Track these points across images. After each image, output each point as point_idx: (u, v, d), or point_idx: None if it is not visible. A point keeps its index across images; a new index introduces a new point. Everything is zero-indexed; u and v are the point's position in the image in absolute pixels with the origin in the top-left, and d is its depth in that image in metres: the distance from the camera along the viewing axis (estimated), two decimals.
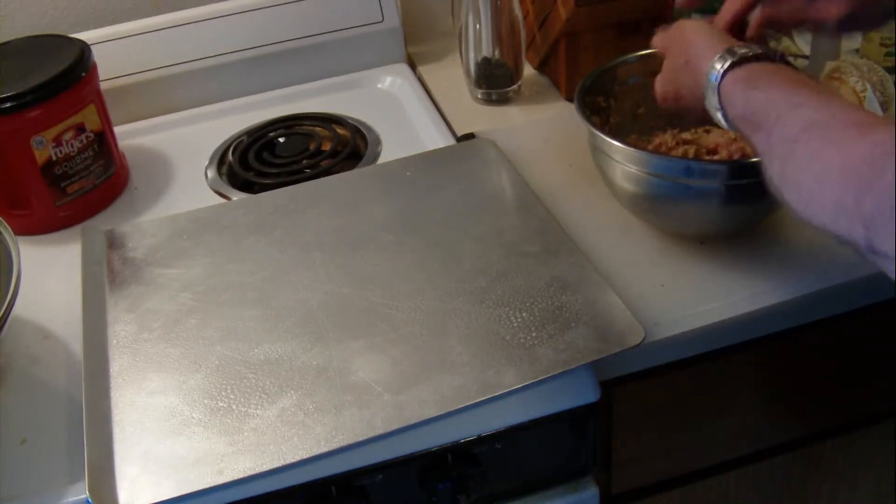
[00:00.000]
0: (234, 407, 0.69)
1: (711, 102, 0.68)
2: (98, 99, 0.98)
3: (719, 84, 0.67)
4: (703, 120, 0.76)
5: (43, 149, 0.93)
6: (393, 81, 1.18)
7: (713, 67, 0.67)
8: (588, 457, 0.77)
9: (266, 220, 0.91)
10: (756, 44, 0.69)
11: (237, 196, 0.98)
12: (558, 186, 0.93)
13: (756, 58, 0.66)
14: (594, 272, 0.79)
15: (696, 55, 0.71)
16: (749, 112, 0.64)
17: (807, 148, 0.57)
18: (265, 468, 0.64)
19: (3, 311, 0.71)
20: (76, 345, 0.79)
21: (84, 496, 0.64)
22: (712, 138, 0.89)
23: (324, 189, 0.95)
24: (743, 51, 0.66)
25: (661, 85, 0.78)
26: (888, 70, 1.01)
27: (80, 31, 1.07)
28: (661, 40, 0.79)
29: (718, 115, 0.69)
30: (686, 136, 0.90)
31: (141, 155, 1.09)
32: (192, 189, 1.02)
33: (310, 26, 1.16)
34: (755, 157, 0.84)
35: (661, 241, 0.85)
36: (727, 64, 0.66)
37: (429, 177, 0.94)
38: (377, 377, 0.70)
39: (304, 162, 1.03)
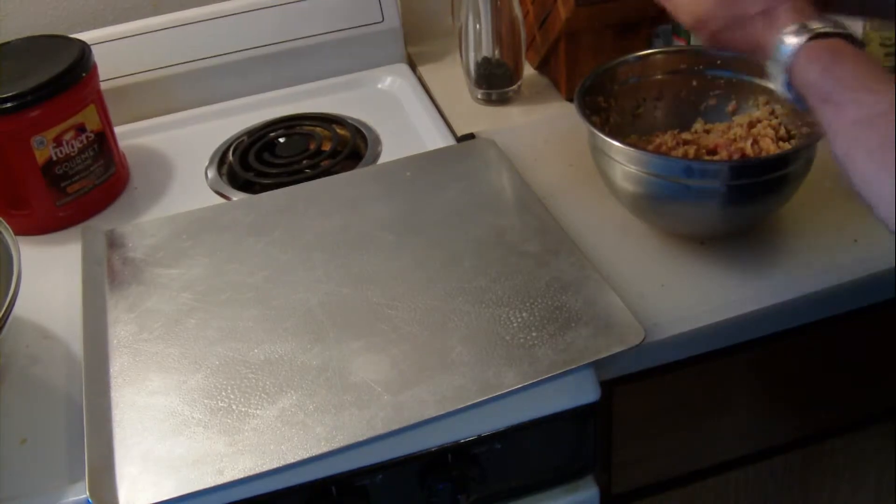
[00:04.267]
0: (234, 407, 0.69)
1: (776, 69, 0.67)
2: (98, 99, 0.98)
3: (794, 55, 0.65)
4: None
5: (43, 149, 0.93)
6: (393, 81, 1.18)
7: (789, 37, 0.65)
8: (588, 457, 0.77)
9: (266, 220, 0.91)
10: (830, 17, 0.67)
11: (237, 196, 0.98)
12: (558, 186, 0.93)
13: (831, 34, 0.65)
14: (594, 272, 0.79)
15: (776, 11, 0.67)
16: (821, 86, 0.63)
17: (877, 135, 0.57)
18: (265, 468, 0.64)
19: (3, 311, 0.71)
20: (76, 345, 0.79)
21: (84, 496, 0.64)
22: (712, 138, 0.89)
23: (324, 189, 0.95)
24: (818, 25, 0.65)
25: (704, 7, 0.71)
26: (888, 70, 1.01)
27: (80, 31, 1.07)
28: None
29: (780, 84, 0.67)
30: (686, 136, 0.90)
31: (141, 155, 1.09)
32: (192, 189, 1.02)
33: (310, 26, 1.16)
34: (757, 157, 0.84)
35: (661, 241, 0.85)
36: (805, 38, 0.64)
37: (429, 177, 0.94)
38: (377, 377, 0.70)
39: (304, 162, 1.03)
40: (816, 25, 0.65)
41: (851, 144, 0.60)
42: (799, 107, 0.67)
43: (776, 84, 0.68)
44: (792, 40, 0.65)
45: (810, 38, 0.65)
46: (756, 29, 0.69)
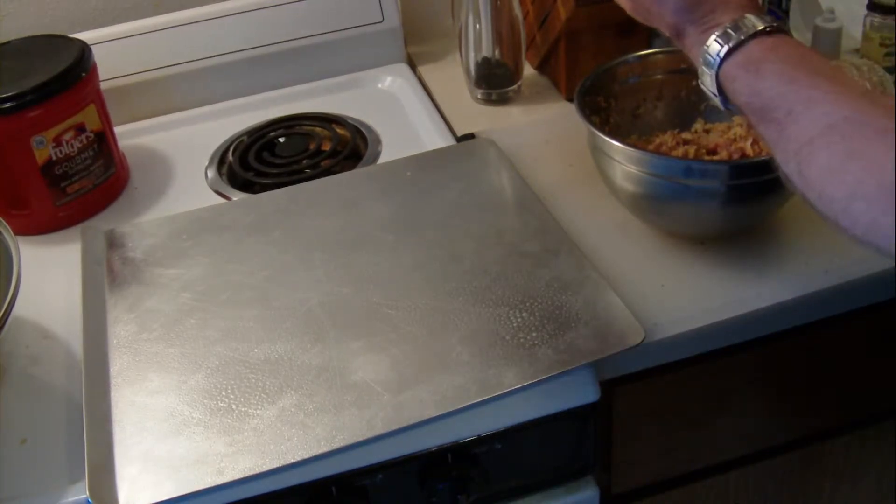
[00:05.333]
0: (234, 407, 0.69)
1: (707, 85, 0.63)
2: (98, 99, 0.98)
3: (718, 70, 0.61)
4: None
5: (43, 149, 0.93)
6: (393, 81, 1.18)
7: (710, 48, 0.61)
8: (588, 457, 0.77)
9: (266, 220, 0.91)
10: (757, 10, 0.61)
11: (237, 196, 0.98)
12: (558, 186, 0.93)
13: (758, 34, 0.59)
14: (594, 272, 0.79)
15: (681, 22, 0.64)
16: (755, 103, 0.59)
17: (827, 154, 0.53)
18: (265, 468, 0.64)
19: (3, 311, 0.71)
20: (76, 345, 0.79)
21: (84, 496, 0.64)
22: (712, 138, 0.89)
23: (324, 189, 0.95)
24: (746, 26, 0.60)
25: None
26: (888, 70, 1.01)
27: (80, 31, 1.07)
28: None
29: (717, 101, 0.63)
30: (686, 136, 0.90)
31: (141, 155, 1.09)
32: (192, 189, 1.02)
33: (310, 26, 1.16)
34: (757, 157, 0.84)
35: (661, 241, 0.85)
36: (727, 48, 0.60)
37: (429, 177, 0.94)
38: (377, 377, 0.70)
39: (304, 162, 1.03)
40: (743, 27, 0.59)
41: (804, 165, 0.55)
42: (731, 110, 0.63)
43: (710, 96, 0.63)
44: (713, 50, 0.61)
45: (733, 49, 0.60)
46: (672, 19, 0.65)
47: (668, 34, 0.68)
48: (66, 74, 0.93)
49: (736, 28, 0.60)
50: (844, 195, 0.53)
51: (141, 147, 1.10)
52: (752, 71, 0.59)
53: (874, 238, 0.52)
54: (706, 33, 0.62)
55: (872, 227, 0.52)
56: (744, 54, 0.60)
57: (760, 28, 0.60)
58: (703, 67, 0.63)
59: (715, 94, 0.63)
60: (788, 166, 0.57)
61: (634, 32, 1.05)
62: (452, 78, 1.17)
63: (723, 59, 0.61)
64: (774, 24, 0.61)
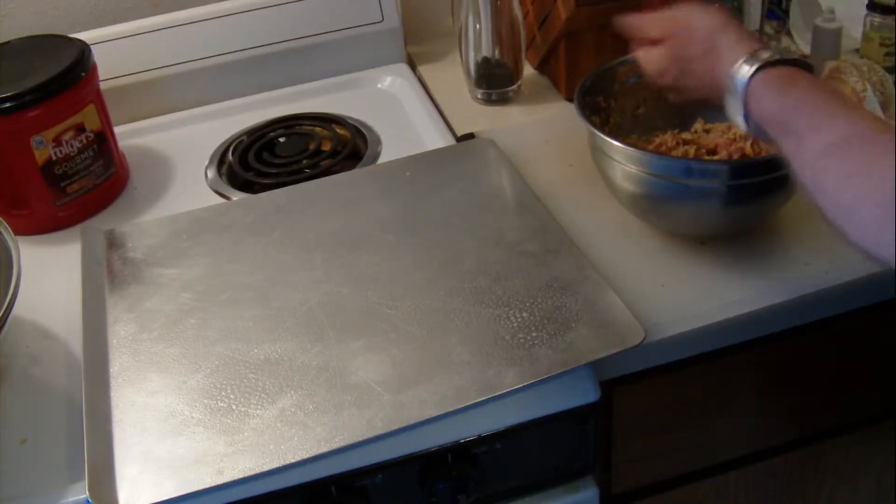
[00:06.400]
0: (234, 407, 0.69)
1: (733, 103, 0.68)
2: (98, 99, 0.98)
3: (747, 86, 0.66)
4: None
5: (43, 149, 0.93)
6: (393, 81, 1.18)
7: (740, 69, 0.67)
8: (588, 457, 0.77)
9: (266, 220, 0.91)
10: (776, 46, 0.70)
11: (237, 196, 0.98)
12: (558, 186, 0.93)
13: (782, 62, 0.66)
14: (594, 272, 0.79)
15: (717, 48, 0.70)
16: (778, 116, 0.64)
17: (845, 163, 0.58)
18: (265, 468, 0.64)
19: (3, 311, 0.71)
20: (76, 345, 0.79)
21: (84, 496, 0.64)
22: (712, 138, 0.89)
23: (324, 189, 0.95)
24: (767, 54, 0.66)
25: (660, 62, 0.76)
26: (888, 70, 1.01)
27: (80, 31, 1.07)
28: (659, 23, 0.77)
29: (739, 119, 0.68)
30: (686, 136, 0.90)
31: (141, 155, 1.09)
32: (192, 189, 1.02)
33: (310, 26, 1.16)
34: (757, 157, 0.84)
35: (661, 241, 0.85)
36: (755, 67, 0.66)
37: (429, 177, 0.94)
38: (377, 377, 0.70)
39: (304, 162, 1.03)
40: (765, 55, 0.66)
41: (819, 173, 0.60)
42: (762, 139, 0.68)
43: (736, 119, 0.69)
44: (743, 72, 0.66)
45: (760, 68, 0.66)
46: (706, 68, 0.71)
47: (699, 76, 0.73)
48: (65, 74, 0.93)
49: (759, 56, 0.66)
50: (851, 205, 0.57)
51: (141, 147, 1.10)
52: (780, 87, 0.65)
53: (878, 249, 0.56)
54: (744, 46, 0.68)
55: (877, 238, 0.55)
56: (773, 73, 0.65)
57: (787, 58, 0.66)
58: (738, 71, 0.67)
59: (740, 111, 0.67)
60: (804, 175, 0.61)
61: None
62: (452, 78, 1.17)
63: (750, 79, 0.66)
64: (797, 57, 0.67)
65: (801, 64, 0.66)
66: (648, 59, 0.78)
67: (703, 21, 0.73)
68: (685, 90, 0.76)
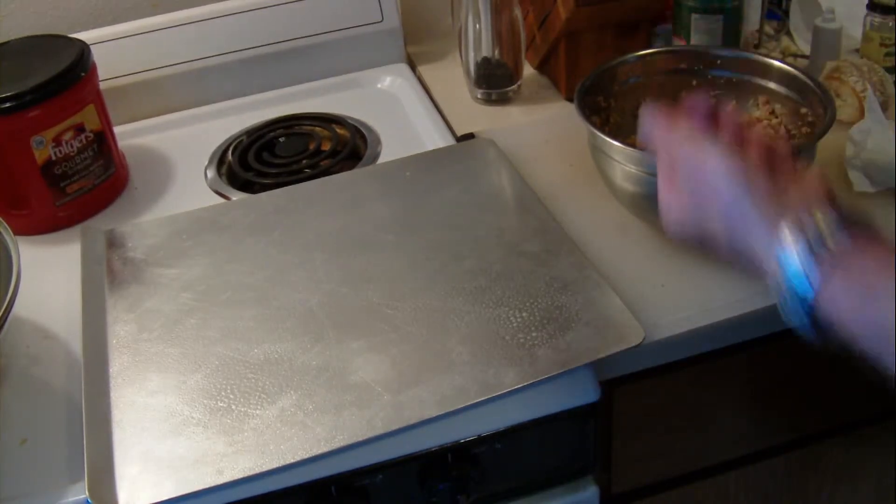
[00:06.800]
0: (233, 407, 0.69)
1: (791, 307, 0.49)
2: (98, 99, 0.98)
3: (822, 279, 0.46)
4: None
5: (43, 149, 0.93)
6: (393, 81, 1.18)
7: (795, 270, 0.47)
8: (588, 457, 0.77)
9: (266, 220, 0.91)
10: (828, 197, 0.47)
11: (237, 196, 0.98)
12: (558, 186, 0.93)
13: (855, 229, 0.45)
14: (594, 272, 0.79)
15: (741, 215, 0.52)
16: (870, 333, 0.47)
17: None
18: (265, 468, 0.64)
19: (3, 311, 0.71)
20: (76, 345, 0.79)
21: (84, 496, 0.64)
22: None
23: (324, 189, 0.95)
24: (820, 227, 0.45)
25: (676, 213, 0.60)
26: (888, 70, 1.01)
27: (80, 31, 1.07)
28: (661, 143, 0.62)
29: (798, 311, 0.50)
30: None
31: (141, 155, 1.09)
32: (191, 189, 1.02)
33: (310, 26, 1.16)
34: None
35: (661, 241, 0.85)
36: (818, 273, 0.46)
37: (429, 177, 0.94)
38: (377, 377, 0.70)
39: (304, 162, 1.03)
40: (828, 234, 0.46)
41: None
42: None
43: (788, 315, 0.51)
44: (799, 261, 0.46)
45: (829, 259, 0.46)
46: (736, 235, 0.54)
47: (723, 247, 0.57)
48: (65, 74, 0.93)
49: (821, 232, 0.48)
50: None
51: (141, 147, 1.10)
52: (860, 293, 0.46)
53: None
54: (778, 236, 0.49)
55: None
56: (845, 269, 0.47)
57: (863, 218, 0.48)
58: (785, 284, 0.48)
59: (807, 326, 0.49)
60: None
61: (634, 32, 1.05)
62: (452, 78, 1.17)
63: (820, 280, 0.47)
64: (855, 216, 0.48)
65: (868, 227, 0.46)
66: (665, 207, 0.62)
67: (701, 156, 0.55)
68: (710, 250, 0.59)
